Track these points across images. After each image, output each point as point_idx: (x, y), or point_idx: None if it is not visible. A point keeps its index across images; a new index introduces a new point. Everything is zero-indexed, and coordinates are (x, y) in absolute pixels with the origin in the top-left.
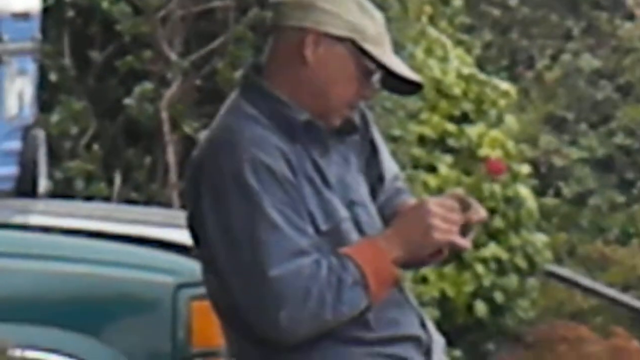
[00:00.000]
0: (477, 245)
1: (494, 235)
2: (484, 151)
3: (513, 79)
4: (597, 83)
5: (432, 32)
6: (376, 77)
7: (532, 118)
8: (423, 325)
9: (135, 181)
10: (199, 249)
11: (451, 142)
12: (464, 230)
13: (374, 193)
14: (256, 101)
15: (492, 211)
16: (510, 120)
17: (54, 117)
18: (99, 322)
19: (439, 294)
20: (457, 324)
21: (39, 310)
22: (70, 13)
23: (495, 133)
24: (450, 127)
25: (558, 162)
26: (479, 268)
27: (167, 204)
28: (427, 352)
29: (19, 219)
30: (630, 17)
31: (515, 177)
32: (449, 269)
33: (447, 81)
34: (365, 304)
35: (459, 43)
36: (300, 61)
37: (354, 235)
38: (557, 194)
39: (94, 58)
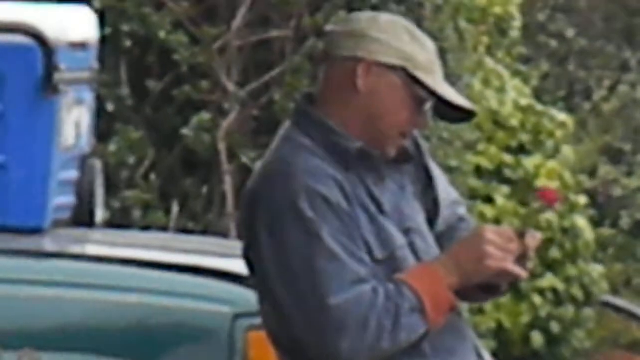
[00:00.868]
0: (533, 275)
1: (550, 266)
2: (541, 182)
3: (570, 110)
4: None
5: (490, 62)
6: (428, 105)
7: (589, 149)
8: (479, 355)
9: (192, 211)
10: (255, 279)
11: (508, 173)
12: (522, 260)
13: (430, 221)
14: (309, 131)
15: (549, 242)
16: (567, 151)
17: (112, 147)
18: (155, 352)
19: (495, 324)
20: (514, 354)
21: (95, 340)
22: (128, 43)
23: (552, 164)
24: (507, 158)
25: (616, 192)
26: (536, 299)
27: (224, 234)
28: None
29: (75, 249)
30: None
31: (573, 207)
32: (505, 300)
33: (504, 112)
34: (423, 329)
35: (516, 74)
36: (353, 90)
37: (410, 262)
38: (614, 224)
39: (151, 88)
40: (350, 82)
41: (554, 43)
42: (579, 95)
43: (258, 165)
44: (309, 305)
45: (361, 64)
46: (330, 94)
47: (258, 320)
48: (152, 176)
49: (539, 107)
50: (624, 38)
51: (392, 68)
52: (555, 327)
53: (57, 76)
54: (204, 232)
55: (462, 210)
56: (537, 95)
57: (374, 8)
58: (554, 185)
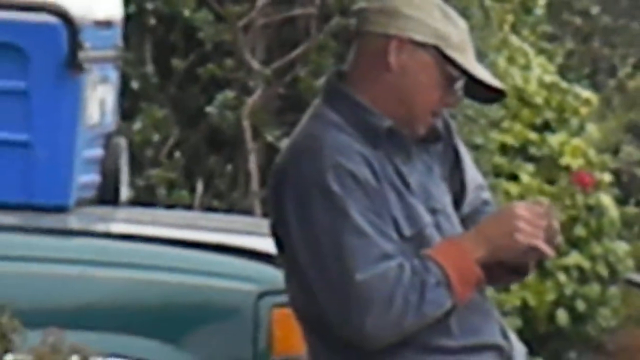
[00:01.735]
0: (559, 253)
1: (575, 244)
2: (565, 160)
3: (595, 87)
4: None
5: (515, 40)
6: (459, 84)
7: (613, 126)
8: (504, 334)
9: (217, 189)
10: (283, 256)
11: (533, 150)
12: (548, 238)
13: (456, 202)
14: (339, 108)
15: (574, 220)
16: (591, 128)
17: (136, 125)
18: (180, 330)
19: (520, 302)
20: (539, 332)
21: (121, 318)
22: (152, 21)
23: (576, 141)
24: (532, 135)
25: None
26: (561, 277)
27: (249, 212)
28: None
29: (100, 227)
30: None
31: (597, 185)
32: (530, 278)
33: (529, 90)
34: (449, 303)
35: (541, 51)
36: (384, 68)
37: (437, 241)
38: (638, 203)
39: (175, 66)
40: (381, 59)
41: (578, 20)
42: (603, 73)
43: (284, 143)
44: (335, 281)
45: (393, 41)
46: (361, 71)
47: (283, 298)
48: (177, 154)
49: (564, 84)
50: None
51: (425, 46)
52: (580, 305)
53: (81, 54)
54: (229, 211)
55: (486, 195)
56: (562, 72)
57: None
58: (578, 162)
